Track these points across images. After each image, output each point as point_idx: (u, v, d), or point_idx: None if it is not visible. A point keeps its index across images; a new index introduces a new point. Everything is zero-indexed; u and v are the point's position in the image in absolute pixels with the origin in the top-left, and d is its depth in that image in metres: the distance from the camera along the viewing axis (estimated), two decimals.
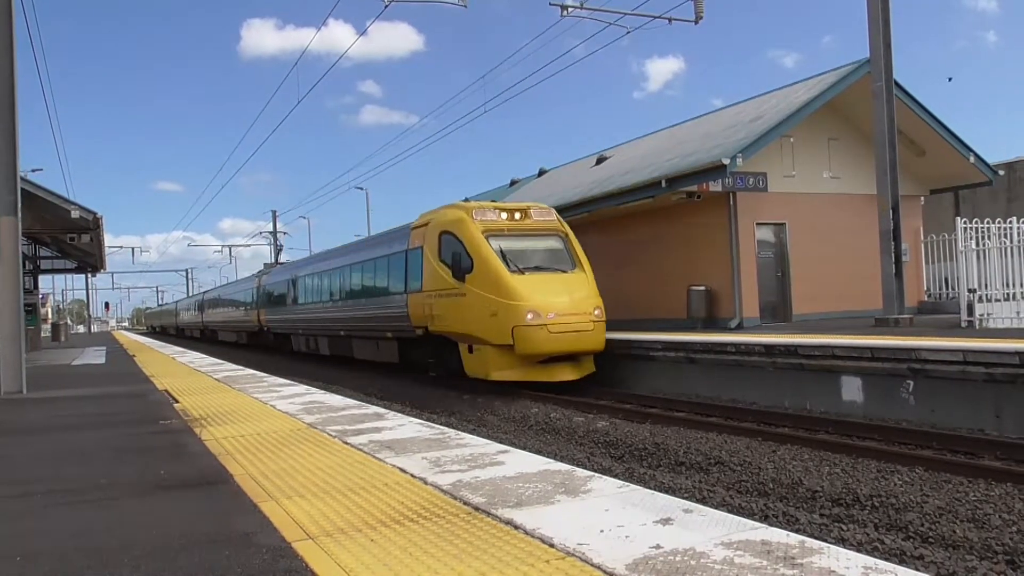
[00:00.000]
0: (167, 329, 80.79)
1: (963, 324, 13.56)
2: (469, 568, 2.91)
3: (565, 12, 17.97)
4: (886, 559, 4.71)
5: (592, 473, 4.46)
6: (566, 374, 14.23)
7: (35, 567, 3.21)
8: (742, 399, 12.28)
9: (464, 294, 14.76)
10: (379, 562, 3.05)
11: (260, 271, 40.63)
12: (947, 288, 19.01)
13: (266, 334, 34.99)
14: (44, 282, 47.89)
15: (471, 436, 5.97)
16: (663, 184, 17.46)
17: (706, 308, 18.03)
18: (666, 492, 5.55)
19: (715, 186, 17.16)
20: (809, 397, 11.38)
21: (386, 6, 16.85)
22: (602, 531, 3.27)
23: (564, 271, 14.88)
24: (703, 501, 6.74)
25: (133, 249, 74.16)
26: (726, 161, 15.96)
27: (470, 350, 15.06)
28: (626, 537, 3.18)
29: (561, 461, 5.13)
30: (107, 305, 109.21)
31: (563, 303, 14.00)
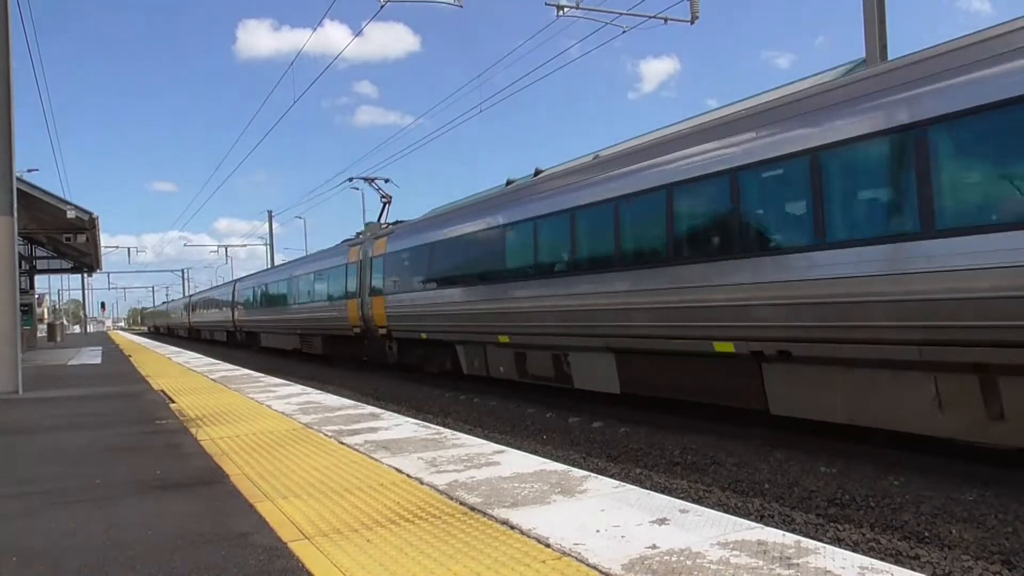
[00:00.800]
0: (160, 328, 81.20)
1: None
2: (465, 568, 2.90)
3: (561, 12, 17.96)
4: (882, 559, 4.72)
5: (588, 473, 4.46)
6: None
7: (31, 567, 3.20)
8: None
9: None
10: (375, 562, 3.04)
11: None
12: None
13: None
14: (40, 282, 48.15)
15: (467, 436, 5.97)
16: None
17: None
18: (662, 492, 5.56)
19: None
20: None
21: (382, 6, 16.84)
22: (598, 531, 3.27)
23: None
24: (699, 501, 6.75)
25: (129, 249, 73.83)
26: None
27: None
28: (622, 537, 3.18)
29: (557, 461, 5.13)
30: (103, 305, 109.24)
31: None
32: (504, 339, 13.68)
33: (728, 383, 9.35)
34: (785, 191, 8.63)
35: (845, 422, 8.04)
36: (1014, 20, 6.81)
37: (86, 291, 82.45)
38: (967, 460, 7.46)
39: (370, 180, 26.07)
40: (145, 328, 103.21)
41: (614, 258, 10.89)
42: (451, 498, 3.97)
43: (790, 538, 3.11)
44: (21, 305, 13.04)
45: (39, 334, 42.69)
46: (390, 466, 4.87)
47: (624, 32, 18.57)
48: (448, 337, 16.10)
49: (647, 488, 4.99)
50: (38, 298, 46.64)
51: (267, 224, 60.49)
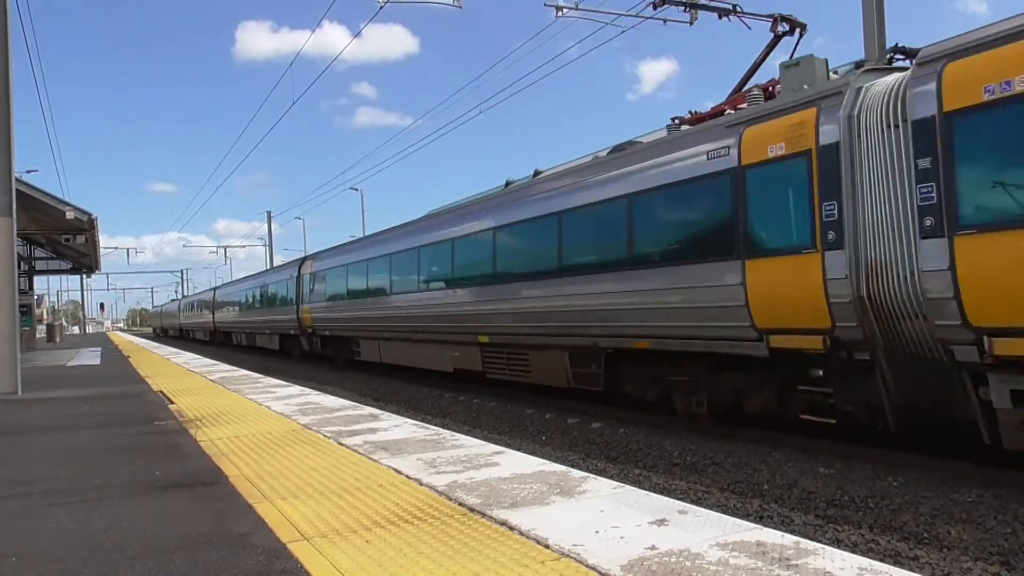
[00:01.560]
0: (168, 331, 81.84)
1: None
2: (464, 569, 2.91)
3: (560, 13, 17.96)
4: (881, 560, 4.72)
5: (587, 474, 4.46)
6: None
7: (30, 567, 3.20)
8: None
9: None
10: (374, 563, 3.05)
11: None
12: None
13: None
14: (39, 283, 48.38)
15: (466, 437, 5.97)
16: None
17: None
18: (661, 493, 5.56)
19: None
20: None
21: (381, 6, 16.83)
22: (597, 532, 3.27)
23: None
24: (698, 502, 6.75)
25: (128, 250, 74.01)
26: None
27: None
28: (621, 538, 3.18)
29: (556, 462, 5.13)
30: (102, 306, 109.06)
31: None
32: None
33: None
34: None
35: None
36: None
37: (85, 292, 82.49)
38: (966, 461, 7.46)
39: None
40: (151, 330, 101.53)
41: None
42: (450, 499, 3.97)
43: (789, 539, 3.11)
44: (20, 306, 13.03)
45: (38, 335, 42.67)
46: (389, 467, 4.87)
47: (623, 32, 18.58)
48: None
49: (646, 489, 5.00)
50: (37, 299, 46.64)
51: (266, 225, 60.50)
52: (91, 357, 23.49)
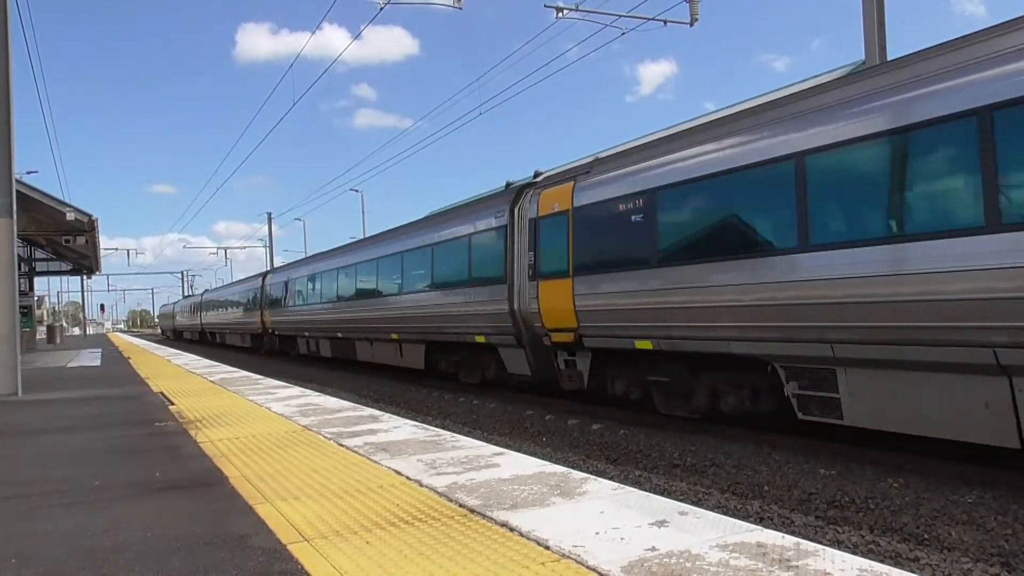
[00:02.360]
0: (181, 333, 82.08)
1: None
2: (464, 570, 2.91)
3: (560, 14, 17.99)
4: (881, 561, 4.72)
5: (587, 475, 4.46)
6: None
7: (30, 569, 3.20)
8: None
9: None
10: (374, 564, 3.04)
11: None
12: None
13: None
14: (39, 284, 48.56)
15: (466, 438, 5.96)
16: None
17: None
18: (661, 494, 5.55)
19: None
20: None
21: (382, 7, 16.86)
22: (597, 533, 3.27)
23: None
24: (698, 503, 6.74)
25: (128, 251, 74.12)
26: None
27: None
28: (621, 539, 3.18)
29: (556, 463, 5.13)
30: (102, 307, 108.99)
31: None
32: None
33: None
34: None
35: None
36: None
37: (85, 293, 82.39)
38: (966, 462, 7.46)
39: None
40: (160, 332, 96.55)
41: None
42: (450, 500, 3.97)
43: (789, 540, 3.11)
44: (20, 307, 13.03)
45: (38, 336, 42.66)
46: (389, 468, 4.87)
47: (623, 34, 18.60)
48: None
49: (646, 490, 5.00)
50: (37, 300, 46.64)
51: (266, 226, 60.52)
52: (91, 358, 23.49)
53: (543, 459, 5.67)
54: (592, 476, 4.46)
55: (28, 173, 40.15)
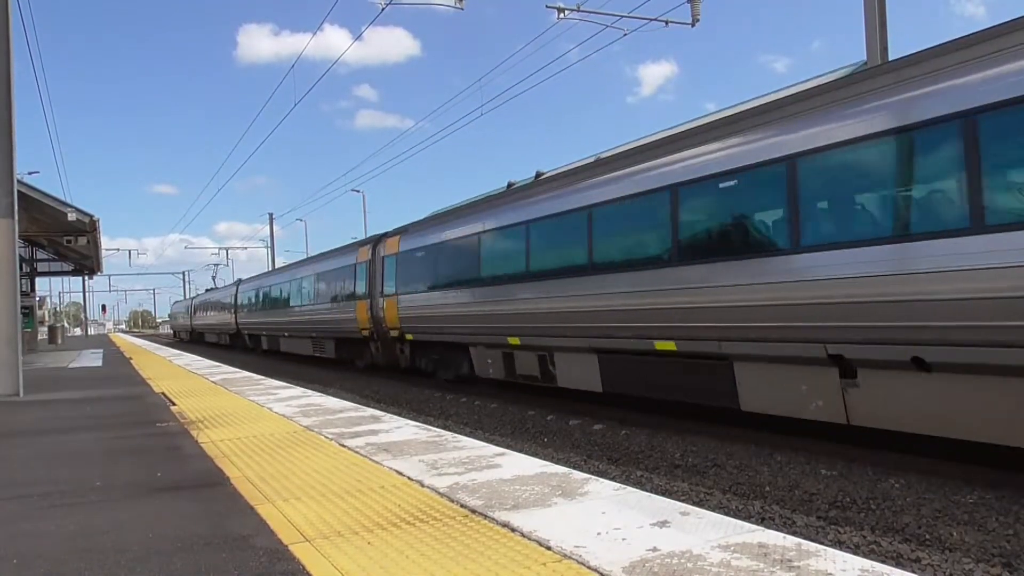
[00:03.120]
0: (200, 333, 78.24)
1: None
2: (465, 571, 2.91)
3: (561, 15, 17.99)
4: (883, 561, 4.72)
5: (589, 476, 4.46)
6: None
7: (31, 569, 3.20)
8: None
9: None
10: (376, 564, 3.05)
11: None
12: None
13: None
14: (41, 285, 48.65)
15: (468, 439, 5.96)
16: None
17: None
18: (663, 495, 5.55)
19: None
20: None
21: (383, 8, 16.87)
22: (599, 534, 3.27)
23: None
24: (700, 504, 6.74)
25: (130, 252, 74.19)
26: None
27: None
28: (623, 540, 3.18)
29: (558, 464, 5.13)
30: (104, 308, 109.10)
31: None
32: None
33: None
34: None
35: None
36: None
37: (87, 293, 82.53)
38: (968, 462, 7.46)
39: None
40: (172, 333, 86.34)
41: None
42: (452, 500, 3.97)
43: (791, 540, 3.11)
44: (22, 307, 13.05)
45: (40, 336, 42.71)
46: (391, 468, 4.87)
47: (625, 35, 18.60)
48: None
49: (648, 491, 5.00)
50: (39, 300, 46.71)
51: (267, 227, 60.59)
52: (93, 359, 23.51)
53: (545, 459, 5.67)
54: (594, 476, 4.46)
55: (30, 173, 40.26)
